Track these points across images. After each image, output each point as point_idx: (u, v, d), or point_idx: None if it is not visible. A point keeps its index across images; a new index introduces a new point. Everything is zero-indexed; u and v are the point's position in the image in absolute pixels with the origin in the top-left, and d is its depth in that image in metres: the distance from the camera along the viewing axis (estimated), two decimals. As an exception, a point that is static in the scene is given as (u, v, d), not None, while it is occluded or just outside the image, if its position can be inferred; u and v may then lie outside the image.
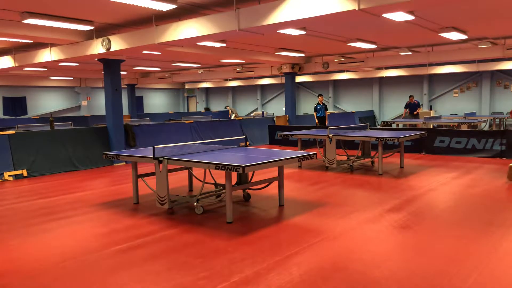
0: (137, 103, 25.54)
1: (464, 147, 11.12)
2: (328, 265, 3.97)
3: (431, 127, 13.83)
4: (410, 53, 15.25)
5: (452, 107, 20.48)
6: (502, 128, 15.46)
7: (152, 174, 6.92)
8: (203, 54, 13.13)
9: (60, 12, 8.46)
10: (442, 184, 7.59)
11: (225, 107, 23.63)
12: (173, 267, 3.99)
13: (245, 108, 28.84)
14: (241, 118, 16.73)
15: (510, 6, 8.84)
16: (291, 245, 4.52)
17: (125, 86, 23.52)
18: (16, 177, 9.17)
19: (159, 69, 20.66)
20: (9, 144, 9.28)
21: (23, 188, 8.22)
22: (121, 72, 13.27)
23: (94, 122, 18.53)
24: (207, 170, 5.77)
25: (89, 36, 10.36)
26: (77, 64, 16.33)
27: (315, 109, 15.91)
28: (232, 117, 21.43)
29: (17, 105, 23.13)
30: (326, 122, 15.78)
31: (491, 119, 17.54)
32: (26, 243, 4.84)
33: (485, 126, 18.52)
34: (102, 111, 23.72)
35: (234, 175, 6.10)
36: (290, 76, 17.33)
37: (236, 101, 29.66)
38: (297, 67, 17.18)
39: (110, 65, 11.21)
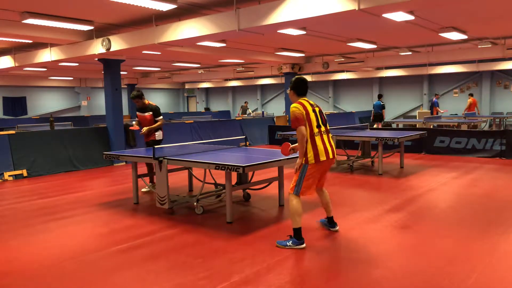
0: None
1: (464, 147, 11.12)
2: (328, 265, 3.97)
3: (431, 127, 13.83)
4: (410, 53, 15.25)
5: (452, 107, 20.48)
6: (502, 128, 15.46)
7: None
8: (203, 54, 13.13)
9: (60, 12, 8.46)
10: (442, 184, 7.59)
11: (245, 103, 23.70)
12: (173, 267, 3.99)
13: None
14: (241, 118, 16.73)
15: (510, 7, 8.84)
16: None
17: (125, 86, 23.52)
18: (16, 177, 9.18)
19: (159, 69, 20.66)
20: (9, 144, 9.28)
21: (23, 188, 8.22)
22: (121, 72, 13.27)
23: (94, 122, 18.54)
24: (207, 170, 5.77)
25: (89, 36, 10.36)
26: (77, 64, 16.33)
27: (384, 107, 16.74)
28: (248, 112, 21.64)
29: (17, 105, 23.14)
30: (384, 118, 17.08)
31: (491, 119, 17.54)
32: (26, 243, 4.84)
33: (485, 126, 18.52)
34: (102, 111, 23.73)
35: (234, 175, 6.10)
36: (290, 76, 17.31)
37: (236, 101, 29.66)
38: (297, 67, 17.18)
39: (110, 65, 11.21)
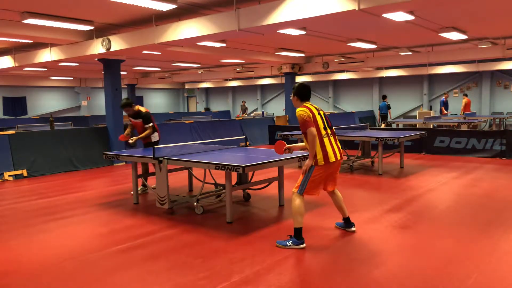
0: (137, 103, 25.53)
1: (464, 147, 11.12)
2: (328, 265, 3.97)
3: (431, 127, 13.82)
4: (410, 53, 15.25)
5: (452, 107, 20.48)
6: (502, 128, 15.46)
7: (152, 174, 6.92)
8: (203, 54, 13.13)
9: (60, 12, 8.46)
10: (442, 184, 7.59)
11: (242, 102, 23.85)
12: (173, 267, 3.99)
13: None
14: (241, 118, 16.73)
15: (510, 7, 8.84)
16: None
17: (125, 86, 23.52)
18: (16, 177, 9.18)
19: (159, 69, 20.66)
20: (9, 144, 9.28)
21: (23, 188, 8.22)
22: (121, 72, 13.27)
23: (94, 122, 18.54)
24: (207, 170, 5.77)
25: (89, 36, 10.36)
26: (77, 64, 16.33)
27: (389, 107, 18.10)
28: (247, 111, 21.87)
29: (17, 105, 23.13)
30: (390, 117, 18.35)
31: (491, 119, 17.53)
32: (26, 243, 4.84)
33: (485, 126, 18.50)
34: (102, 111, 23.71)
35: (234, 175, 6.10)
36: (290, 76, 17.33)
37: (236, 101, 29.65)
38: (297, 67, 17.18)
39: (110, 65, 11.21)
